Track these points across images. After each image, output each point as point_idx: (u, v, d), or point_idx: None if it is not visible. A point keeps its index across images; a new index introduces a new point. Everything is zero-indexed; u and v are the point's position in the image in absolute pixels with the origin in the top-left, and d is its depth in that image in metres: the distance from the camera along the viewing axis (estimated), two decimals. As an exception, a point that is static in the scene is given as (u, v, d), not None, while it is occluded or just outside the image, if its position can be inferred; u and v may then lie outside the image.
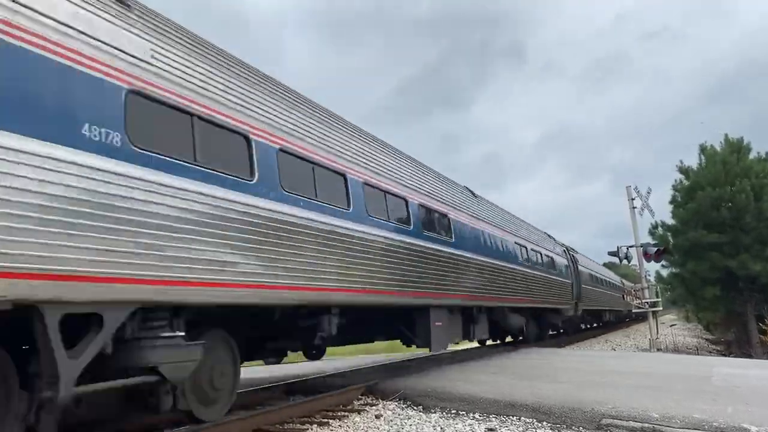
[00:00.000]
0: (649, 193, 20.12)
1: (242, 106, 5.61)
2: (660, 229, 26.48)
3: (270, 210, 5.56)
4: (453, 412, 6.46)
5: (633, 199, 19.55)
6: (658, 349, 19.49)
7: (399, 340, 9.67)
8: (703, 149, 26.55)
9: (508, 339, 16.85)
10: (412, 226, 8.58)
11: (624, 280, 37.23)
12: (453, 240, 10.04)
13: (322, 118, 7.27)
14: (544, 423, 5.80)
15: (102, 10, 4.40)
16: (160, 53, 4.82)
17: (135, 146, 4.33)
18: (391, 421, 6.16)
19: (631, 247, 19.37)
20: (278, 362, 8.21)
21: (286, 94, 6.73)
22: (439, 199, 10.03)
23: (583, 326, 26.42)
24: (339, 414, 6.48)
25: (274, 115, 6.08)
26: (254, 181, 5.46)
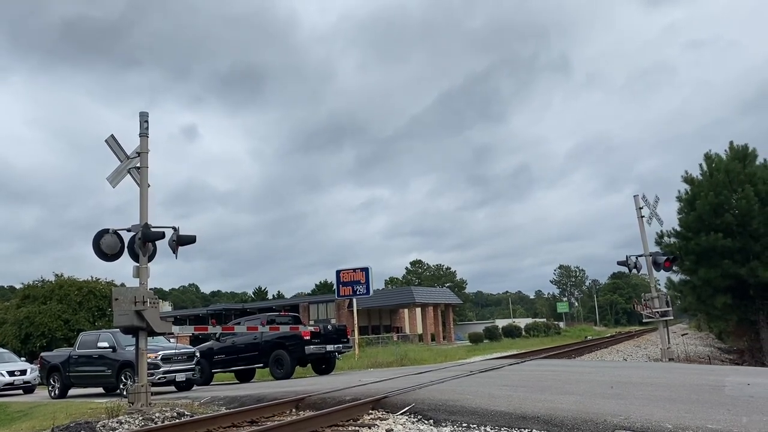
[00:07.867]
0: (657, 201, 19.99)
1: None
2: (666, 238, 26.39)
3: None
4: (464, 425, 6.39)
5: (641, 208, 19.43)
6: (670, 359, 19.27)
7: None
8: (707, 158, 26.50)
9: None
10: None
11: None
12: None
13: None
14: (557, 435, 5.73)
15: None
16: None
17: None
18: (402, 435, 6.10)
19: (640, 256, 19.20)
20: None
21: None
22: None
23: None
24: (348, 428, 6.42)
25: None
26: None
